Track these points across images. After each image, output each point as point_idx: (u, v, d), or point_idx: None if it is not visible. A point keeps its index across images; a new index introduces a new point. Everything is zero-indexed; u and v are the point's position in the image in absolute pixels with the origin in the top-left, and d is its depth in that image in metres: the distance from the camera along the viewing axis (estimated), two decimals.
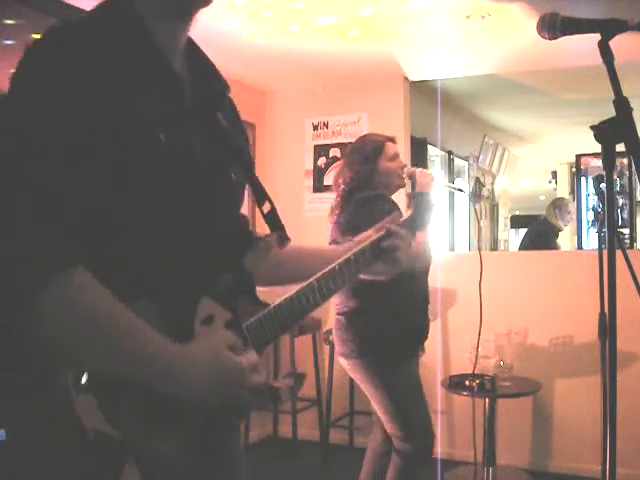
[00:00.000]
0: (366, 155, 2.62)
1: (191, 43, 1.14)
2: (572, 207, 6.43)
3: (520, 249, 6.38)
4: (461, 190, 3.16)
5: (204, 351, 0.99)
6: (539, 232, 6.42)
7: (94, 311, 0.91)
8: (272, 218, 1.19)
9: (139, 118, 0.96)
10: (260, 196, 1.18)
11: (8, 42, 2.59)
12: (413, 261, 1.28)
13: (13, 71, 0.97)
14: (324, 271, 1.20)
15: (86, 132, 0.91)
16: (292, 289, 1.17)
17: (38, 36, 1.00)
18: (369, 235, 1.31)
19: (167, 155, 0.98)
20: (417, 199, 1.47)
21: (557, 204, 6.33)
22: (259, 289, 1.20)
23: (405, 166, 2.67)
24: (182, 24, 1.10)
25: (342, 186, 2.62)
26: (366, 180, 2.58)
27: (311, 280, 1.18)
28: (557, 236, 6.29)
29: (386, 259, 1.28)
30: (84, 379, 0.94)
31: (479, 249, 2.68)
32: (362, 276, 1.29)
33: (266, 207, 1.18)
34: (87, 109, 0.91)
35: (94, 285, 0.91)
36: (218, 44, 3.56)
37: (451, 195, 6.41)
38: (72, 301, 0.90)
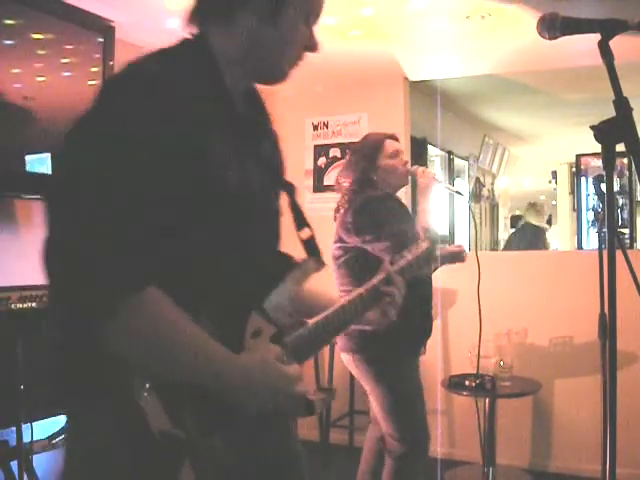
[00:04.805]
0: (365, 154, 2.60)
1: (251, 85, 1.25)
2: (546, 208, 6.93)
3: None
4: (460, 193, 3.15)
5: (257, 362, 1.08)
6: (531, 240, 6.55)
7: (167, 325, 1.00)
8: (311, 244, 1.26)
9: (209, 155, 1.04)
10: (300, 222, 1.27)
11: (8, 42, 2.59)
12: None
13: (96, 98, 1.03)
14: (351, 296, 1.32)
15: (157, 169, 0.98)
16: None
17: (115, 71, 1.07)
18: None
19: (232, 191, 1.08)
20: (431, 233, 1.60)
21: (537, 207, 6.68)
22: None
23: (406, 163, 2.61)
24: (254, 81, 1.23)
25: (345, 185, 2.61)
26: (367, 179, 2.57)
27: (342, 302, 1.30)
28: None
29: (380, 308, 1.37)
30: (150, 382, 1.01)
31: (476, 250, 2.66)
32: (353, 326, 1.37)
33: (304, 233, 1.26)
34: (160, 145, 0.98)
35: (166, 302, 0.99)
36: None
37: (451, 195, 6.41)
38: (146, 316, 0.98)
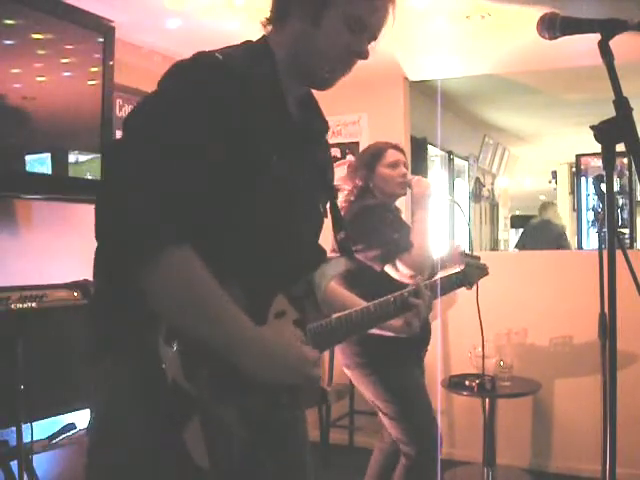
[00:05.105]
0: (365, 162, 2.60)
1: (309, 91, 1.35)
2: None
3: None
4: (457, 204, 3.12)
5: (278, 337, 1.15)
6: (554, 239, 6.62)
7: (195, 282, 1.06)
8: (345, 245, 1.41)
9: (257, 141, 1.14)
10: (338, 225, 1.40)
11: (8, 42, 2.59)
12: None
13: (164, 76, 1.15)
14: (379, 300, 1.42)
15: (212, 144, 1.08)
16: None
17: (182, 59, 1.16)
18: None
19: (275, 174, 1.16)
20: (469, 259, 1.71)
21: (555, 205, 6.73)
22: None
23: (405, 174, 2.58)
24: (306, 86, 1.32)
25: (345, 193, 2.61)
26: (365, 187, 2.56)
27: (368, 304, 1.40)
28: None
29: (404, 317, 1.45)
30: (173, 334, 1.07)
31: (471, 251, 2.65)
32: (376, 331, 1.46)
33: (341, 235, 1.40)
34: (215, 122, 1.09)
35: (198, 261, 1.06)
36: (218, 44, 3.54)
37: (451, 195, 6.41)
38: (177, 271, 1.04)
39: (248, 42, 1.25)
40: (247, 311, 1.11)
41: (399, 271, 2.39)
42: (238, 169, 1.12)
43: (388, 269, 2.41)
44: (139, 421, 1.09)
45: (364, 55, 1.24)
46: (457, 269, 1.74)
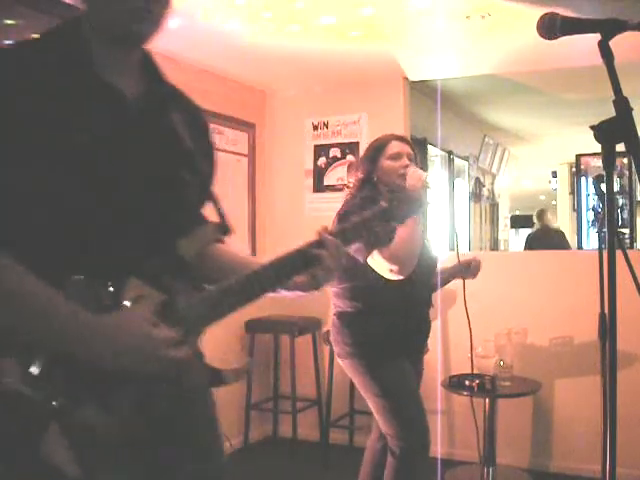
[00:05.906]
0: (368, 155, 2.60)
1: (147, 57, 1.27)
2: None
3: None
4: (456, 232, 3.07)
5: (118, 321, 1.06)
6: (559, 243, 6.79)
7: (6, 284, 1.02)
8: (218, 210, 1.27)
9: (67, 123, 1.07)
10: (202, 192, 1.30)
11: (8, 42, 2.59)
12: (333, 277, 1.30)
13: None
14: (259, 267, 1.22)
15: (8, 133, 1.03)
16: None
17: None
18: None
19: (94, 155, 1.09)
20: (395, 193, 1.41)
21: (548, 210, 7.00)
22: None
23: (407, 166, 2.52)
24: (129, 50, 1.21)
25: (348, 188, 2.62)
26: (368, 180, 2.56)
27: (249, 272, 1.20)
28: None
29: (309, 272, 1.25)
30: (6, 344, 1.01)
31: (457, 251, 2.65)
32: (284, 292, 1.29)
33: (202, 201, 1.30)
34: (11, 114, 1.03)
35: (10, 267, 1.02)
36: (218, 44, 3.55)
37: (451, 195, 6.41)
38: None
39: (61, 23, 1.20)
40: (97, 305, 1.05)
41: (377, 263, 2.37)
42: (48, 157, 1.05)
43: (370, 261, 2.39)
44: None
45: None
46: (378, 208, 1.47)
